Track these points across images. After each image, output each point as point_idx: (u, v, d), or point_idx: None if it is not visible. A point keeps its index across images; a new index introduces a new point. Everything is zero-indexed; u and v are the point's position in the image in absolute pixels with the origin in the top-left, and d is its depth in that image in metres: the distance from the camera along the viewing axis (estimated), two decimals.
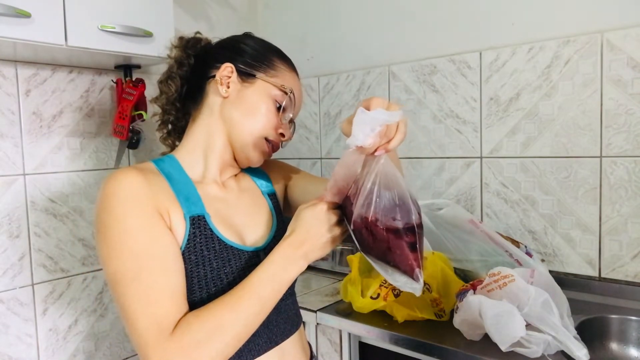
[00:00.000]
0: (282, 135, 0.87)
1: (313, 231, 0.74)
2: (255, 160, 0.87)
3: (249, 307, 0.70)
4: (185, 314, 0.70)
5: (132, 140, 1.45)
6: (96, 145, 1.49)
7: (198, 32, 0.93)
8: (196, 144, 0.85)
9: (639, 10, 1.21)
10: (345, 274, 1.35)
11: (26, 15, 1.07)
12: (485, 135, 1.47)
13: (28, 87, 1.34)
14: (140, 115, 1.42)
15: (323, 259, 1.61)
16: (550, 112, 1.34)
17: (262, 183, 0.95)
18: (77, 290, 1.45)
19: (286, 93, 0.85)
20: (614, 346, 1.13)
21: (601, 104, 1.27)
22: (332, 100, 1.84)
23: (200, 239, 0.76)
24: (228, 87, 0.84)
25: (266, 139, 0.85)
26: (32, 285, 1.36)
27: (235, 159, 0.88)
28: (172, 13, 1.39)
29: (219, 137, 0.85)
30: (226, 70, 0.84)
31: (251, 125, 0.83)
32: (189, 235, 0.75)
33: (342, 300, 1.29)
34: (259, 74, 0.84)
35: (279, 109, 0.85)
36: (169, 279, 0.70)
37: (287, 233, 0.76)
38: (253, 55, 0.86)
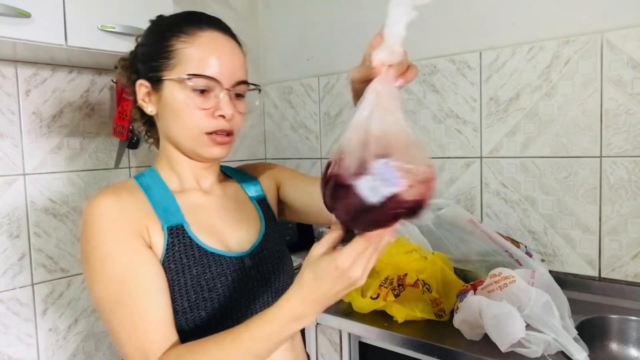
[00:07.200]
0: (222, 116, 0.76)
1: (326, 288, 0.62)
2: (213, 155, 0.79)
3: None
4: (175, 343, 0.69)
5: (132, 140, 1.45)
6: (96, 145, 1.49)
7: (138, 37, 0.85)
8: (163, 158, 0.84)
9: (639, 10, 1.21)
10: None
11: (26, 15, 1.07)
12: (485, 135, 1.47)
13: (28, 87, 1.34)
14: None
15: None
16: (550, 112, 1.34)
17: (251, 189, 0.93)
18: (77, 290, 1.45)
19: (191, 78, 0.75)
20: (614, 346, 1.13)
21: (601, 104, 1.27)
22: (332, 100, 1.84)
23: (179, 248, 0.75)
24: (152, 103, 0.79)
25: (208, 133, 0.77)
26: (32, 285, 1.36)
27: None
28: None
29: (172, 151, 0.82)
30: (141, 89, 0.79)
31: (183, 130, 0.77)
32: (167, 245, 0.74)
33: (342, 300, 1.29)
34: (163, 74, 0.77)
35: (203, 91, 0.76)
36: (151, 302, 0.70)
37: (294, 290, 0.62)
38: (152, 54, 0.78)
